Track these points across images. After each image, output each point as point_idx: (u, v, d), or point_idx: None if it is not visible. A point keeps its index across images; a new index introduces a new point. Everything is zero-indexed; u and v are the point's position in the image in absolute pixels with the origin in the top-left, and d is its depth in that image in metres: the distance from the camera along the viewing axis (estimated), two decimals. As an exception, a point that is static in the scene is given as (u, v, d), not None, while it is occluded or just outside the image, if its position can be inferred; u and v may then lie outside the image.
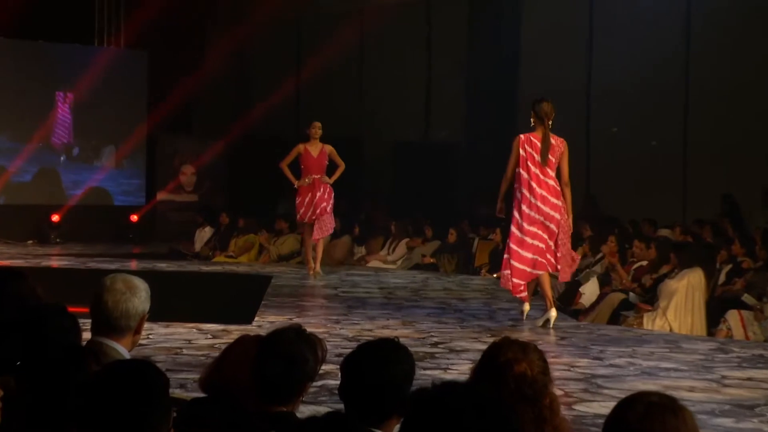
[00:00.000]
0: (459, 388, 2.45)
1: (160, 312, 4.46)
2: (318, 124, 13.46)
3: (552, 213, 9.35)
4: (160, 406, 2.73)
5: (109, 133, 19.82)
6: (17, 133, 19.10)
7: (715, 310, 10.06)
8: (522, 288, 9.47)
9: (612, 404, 2.57)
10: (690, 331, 9.96)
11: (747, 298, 10.04)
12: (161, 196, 20.32)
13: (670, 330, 9.93)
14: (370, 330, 8.96)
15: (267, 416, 3.40)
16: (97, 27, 20.07)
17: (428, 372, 6.87)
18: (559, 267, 9.51)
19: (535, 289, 9.74)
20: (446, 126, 18.66)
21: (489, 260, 14.34)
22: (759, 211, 13.76)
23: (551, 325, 9.26)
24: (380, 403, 3.17)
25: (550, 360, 3.43)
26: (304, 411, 3.47)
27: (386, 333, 8.67)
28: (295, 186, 13.53)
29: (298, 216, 13.74)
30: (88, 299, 3.78)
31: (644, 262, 11.39)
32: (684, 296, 10.03)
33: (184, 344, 8.00)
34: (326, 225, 13.52)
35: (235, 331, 8.35)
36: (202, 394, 3.76)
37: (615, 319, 10.57)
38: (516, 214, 9.45)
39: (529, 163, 9.39)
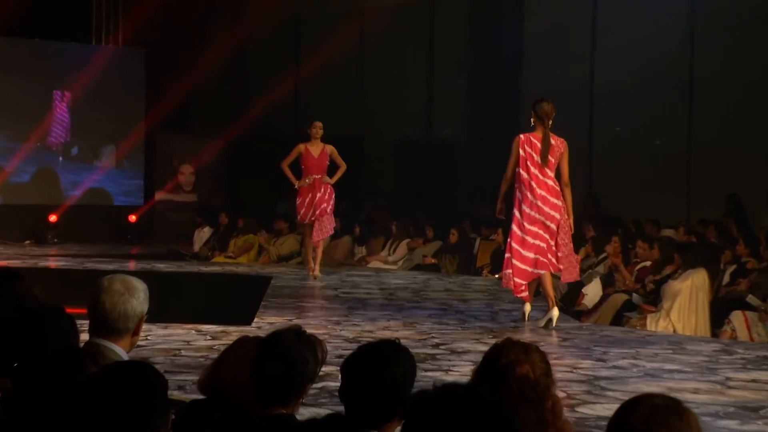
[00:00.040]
0: (460, 390, 2.44)
1: (159, 313, 4.45)
2: (319, 124, 13.42)
3: (552, 213, 9.34)
4: (158, 408, 2.72)
5: (107, 133, 19.76)
6: (14, 133, 19.05)
7: (719, 311, 10.03)
8: (523, 288, 9.44)
9: (615, 406, 2.56)
10: (694, 332, 9.93)
11: (751, 298, 10.00)
12: (160, 196, 20.29)
13: (674, 331, 9.90)
14: (370, 331, 8.93)
15: (266, 418, 3.37)
16: (94, 25, 20.01)
17: (429, 374, 6.84)
18: (560, 267, 9.48)
19: (536, 289, 9.70)
20: (447, 126, 18.64)
21: (491, 261, 14.30)
22: (764, 211, 13.73)
23: (553, 325, 9.23)
24: (381, 405, 3.16)
25: (552, 361, 3.41)
26: (304, 413, 3.47)
27: (387, 334, 8.65)
28: (296, 186, 13.49)
29: (299, 217, 13.70)
30: (86, 300, 3.75)
31: (647, 263, 11.36)
32: (688, 297, 10.00)
33: (182, 345, 7.97)
34: (326, 226, 13.49)
35: (235, 332, 8.31)
36: (200, 396, 3.74)
37: (618, 320, 10.54)
38: (517, 213, 9.43)
39: (528, 163, 9.37)
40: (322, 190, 13.38)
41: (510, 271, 9.42)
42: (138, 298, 3.72)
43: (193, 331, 8.66)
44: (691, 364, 7.67)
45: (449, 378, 6.82)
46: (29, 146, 19.12)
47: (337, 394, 3.29)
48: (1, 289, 4.30)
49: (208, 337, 8.40)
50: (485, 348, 3.44)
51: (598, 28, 16.45)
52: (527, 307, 9.60)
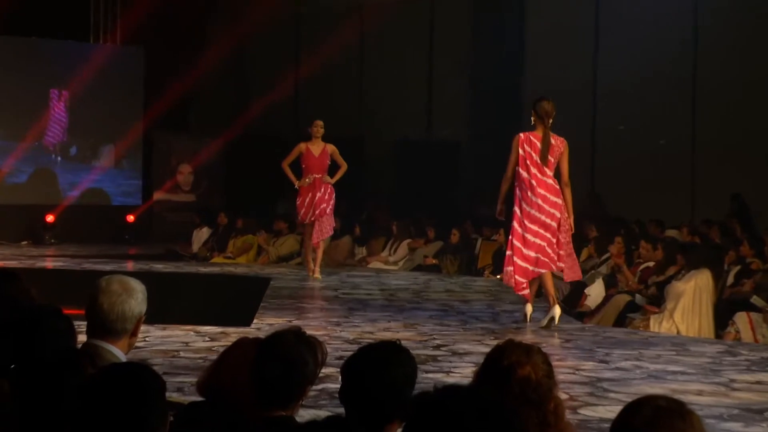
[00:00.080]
0: (461, 392, 2.43)
1: (157, 314, 4.43)
2: (320, 123, 13.38)
3: (552, 211, 9.35)
4: (156, 410, 2.70)
5: (105, 132, 19.69)
6: (11, 132, 18.98)
7: (723, 312, 9.99)
8: (524, 285, 9.43)
9: (618, 408, 2.54)
10: (697, 333, 9.88)
11: (756, 299, 9.96)
12: (158, 195, 20.24)
13: (678, 332, 9.86)
14: (371, 332, 8.91)
15: (266, 420, 3.36)
16: (92, 23, 19.92)
17: (430, 375, 6.82)
18: (562, 265, 9.46)
19: (538, 290, 9.67)
20: (448, 125, 18.63)
21: (492, 261, 14.25)
22: (768, 211, 13.70)
23: (555, 323, 9.20)
24: (381, 407, 3.16)
25: (554, 363, 3.40)
26: (303, 415, 3.47)
27: (387, 335, 8.63)
28: (296, 186, 13.46)
29: (299, 216, 13.68)
30: (84, 301, 3.74)
31: (651, 264, 11.33)
32: (691, 298, 9.96)
33: (181, 347, 7.95)
34: (325, 227, 13.46)
35: (234, 333, 8.29)
36: (199, 398, 3.73)
37: (621, 321, 10.51)
38: (517, 211, 9.43)
39: (528, 162, 9.36)
40: (322, 189, 13.35)
41: (511, 268, 9.42)
42: (136, 299, 3.71)
43: (192, 333, 8.63)
44: (694, 366, 7.65)
45: (450, 380, 6.82)
46: (26, 146, 19.05)
47: (337, 395, 3.28)
48: (-2, 290, 4.28)
49: (207, 339, 8.37)
50: (487, 349, 3.43)
51: (601, 27, 16.44)
52: (529, 308, 9.57)
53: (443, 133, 18.82)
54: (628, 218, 13.90)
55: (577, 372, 7.24)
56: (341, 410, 3.22)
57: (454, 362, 7.54)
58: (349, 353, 3.31)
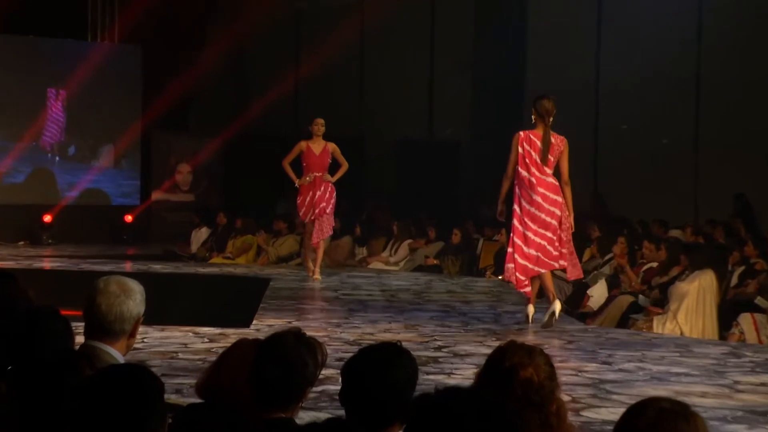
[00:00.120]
0: (463, 394, 2.43)
1: (156, 315, 4.41)
2: (320, 121, 13.35)
3: (552, 209, 9.35)
4: (154, 412, 2.70)
5: (103, 131, 19.64)
6: (8, 132, 18.94)
7: (727, 313, 9.96)
8: (526, 283, 9.42)
9: (621, 410, 2.54)
10: (701, 334, 9.85)
11: (760, 300, 9.94)
12: (156, 195, 20.20)
13: (681, 334, 9.82)
14: (371, 334, 8.89)
15: (265, 422, 3.35)
16: (89, 21, 19.84)
17: (431, 377, 6.80)
18: (564, 263, 9.45)
19: (540, 291, 9.65)
20: (449, 125, 18.62)
21: (494, 262, 14.22)
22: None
23: (557, 317, 9.18)
24: (382, 409, 3.15)
25: (556, 364, 3.40)
26: (303, 417, 3.46)
27: (388, 337, 8.62)
28: (297, 185, 13.43)
29: (300, 215, 13.67)
30: (81, 302, 3.73)
31: (654, 264, 11.30)
32: (695, 299, 9.93)
33: (180, 348, 7.93)
34: (325, 227, 13.43)
35: (233, 334, 8.29)
36: (198, 400, 3.72)
37: (624, 322, 10.48)
38: (517, 209, 9.44)
39: (527, 161, 9.36)
40: (323, 188, 13.32)
41: (512, 265, 9.44)
42: (134, 299, 3.70)
43: (191, 334, 8.61)
44: (698, 368, 7.62)
45: (451, 381, 6.79)
46: (23, 145, 19.00)
47: (337, 397, 3.26)
48: (-5, 291, 4.26)
49: (206, 340, 8.35)
50: (488, 351, 3.41)
51: (603, 26, 16.44)
52: (531, 309, 9.54)
53: (444, 132, 18.82)
54: (630, 218, 13.89)
55: (579, 373, 7.21)
56: (341, 412, 3.20)
57: (456, 363, 7.52)
58: (350, 354, 3.29)
